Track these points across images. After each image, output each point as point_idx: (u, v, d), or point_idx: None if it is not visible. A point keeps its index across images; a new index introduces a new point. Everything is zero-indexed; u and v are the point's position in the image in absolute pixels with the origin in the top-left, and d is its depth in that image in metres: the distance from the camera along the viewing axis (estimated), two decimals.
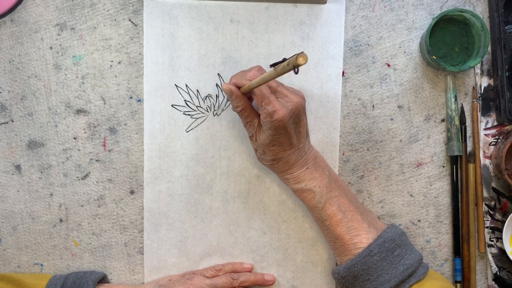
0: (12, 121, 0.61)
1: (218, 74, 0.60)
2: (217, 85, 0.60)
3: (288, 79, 0.60)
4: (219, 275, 0.59)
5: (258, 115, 0.54)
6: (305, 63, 0.38)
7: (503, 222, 0.61)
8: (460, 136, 0.60)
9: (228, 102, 0.60)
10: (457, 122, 0.60)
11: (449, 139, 0.60)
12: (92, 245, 0.62)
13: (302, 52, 0.38)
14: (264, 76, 0.45)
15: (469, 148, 0.61)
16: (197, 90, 0.60)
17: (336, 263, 0.57)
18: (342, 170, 0.61)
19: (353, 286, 0.53)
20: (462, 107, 0.61)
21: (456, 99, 0.60)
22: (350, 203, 0.55)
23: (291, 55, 0.39)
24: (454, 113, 0.60)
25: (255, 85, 0.48)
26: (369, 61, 0.60)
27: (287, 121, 0.51)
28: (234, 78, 0.54)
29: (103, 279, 0.59)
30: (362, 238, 0.53)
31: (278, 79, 0.48)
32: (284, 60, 0.41)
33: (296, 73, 0.39)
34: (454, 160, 0.60)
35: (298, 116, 0.53)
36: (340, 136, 0.61)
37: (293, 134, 0.53)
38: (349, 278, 0.53)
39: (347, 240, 0.53)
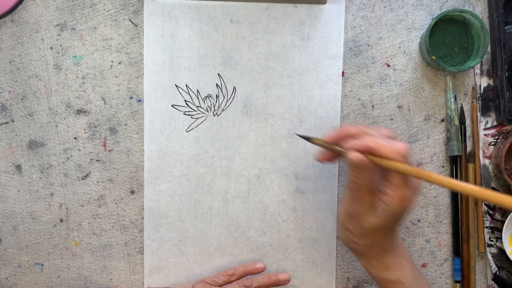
0: (13, 121, 0.61)
1: (218, 74, 0.60)
2: (217, 85, 0.60)
3: (287, 80, 0.60)
4: (231, 281, 0.58)
5: (373, 193, 0.45)
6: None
7: (502, 222, 0.61)
8: (459, 136, 0.60)
9: (228, 103, 0.61)
10: (456, 122, 0.60)
11: (448, 139, 0.60)
12: (92, 245, 0.62)
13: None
14: (434, 176, 0.38)
15: (468, 148, 0.61)
16: (197, 90, 0.60)
17: None
18: (342, 170, 0.61)
19: None
20: (461, 107, 0.61)
21: (455, 99, 0.60)
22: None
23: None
24: (453, 113, 0.60)
25: (413, 174, 0.40)
26: (369, 61, 0.60)
27: (409, 210, 0.44)
28: (371, 142, 0.42)
29: None
30: None
31: None
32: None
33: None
34: (453, 160, 0.61)
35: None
36: None
37: (399, 224, 0.47)
38: None
39: None
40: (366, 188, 0.44)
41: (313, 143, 0.52)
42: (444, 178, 0.39)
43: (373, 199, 0.45)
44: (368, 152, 0.43)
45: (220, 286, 0.58)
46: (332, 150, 0.49)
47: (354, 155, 0.42)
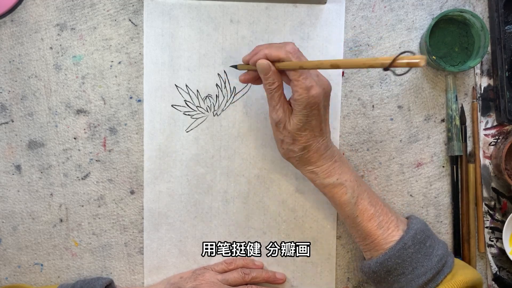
0: (12, 121, 0.61)
1: (218, 74, 0.60)
2: (217, 85, 0.60)
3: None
4: (230, 269, 0.59)
5: (288, 101, 0.52)
6: (423, 65, 0.35)
7: (503, 222, 0.61)
8: (460, 136, 0.60)
9: (228, 103, 0.60)
10: (457, 122, 0.60)
11: (449, 139, 0.60)
12: (92, 245, 0.62)
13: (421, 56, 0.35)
14: (343, 62, 0.43)
15: (469, 148, 0.61)
16: (197, 90, 0.60)
17: (365, 258, 0.56)
18: None
19: (385, 281, 0.52)
20: (462, 107, 0.61)
21: (456, 99, 0.60)
22: (378, 196, 0.54)
23: (403, 52, 0.36)
24: (454, 113, 0.60)
25: (311, 66, 0.46)
26: None
27: (321, 100, 0.49)
28: (267, 50, 0.50)
29: (110, 285, 0.59)
30: (393, 232, 0.52)
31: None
32: (398, 57, 0.36)
33: (386, 70, 0.37)
34: (454, 160, 0.60)
35: (327, 99, 0.51)
36: (340, 136, 0.61)
37: (323, 119, 0.51)
38: (381, 273, 0.52)
39: (379, 235, 0.52)
40: (278, 92, 0.51)
41: (239, 68, 0.58)
42: (315, 61, 0.46)
43: (289, 105, 0.52)
44: (267, 58, 0.50)
45: (219, 273, 0.59)
46: (251, 69, 0.54)
47: (260, 61, 0.50)
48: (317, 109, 0.50)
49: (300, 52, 0.51)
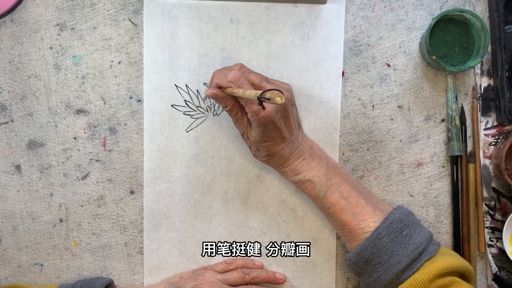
0: (12, 121, 0.61)
1: None
2: None
3: (287, 80, 0.60)
4: (230, 269, 0.59)
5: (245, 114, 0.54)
6: (282, 103, 0.40)
7: (503, 222, 0.61)
8: (460, 136, 0.60)
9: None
10: (457, 122, 0.60)
11: (449, 139, 0.60)
12: (92, 245, 0.62)
13: (281, 93, 0.40)
14: (246, 93, 0.46)
15: (469, 148, 0.61)
16: (197, 90, 0.60)
17: (348, 250, 0.57)
18: None
19: (365, 271, 0.53)
20: (462, 107, 0.61)
21: (456, 99, 0.60)
22: (352, 188, 0.55)
23: (271, 90, 0.41)
24: (454, 113, 0.60)
25: (238, 95, 0.49)
26: (369, 61, 0.60)
27: (274, 117, 0.51)
28: (216, 78, 0.53)
29: (110, 285, 0.59)
30: (368, 222, 0.53)
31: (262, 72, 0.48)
32: (264, 94, 0.41)
33: (260, 105, 0.42)
34: (454, 160, 0.60)
35: (285, 109, 0.53)
36: (340, 136, 0.61)
37: (283, 127, 0.53)
38: (360, 264, 0.53)
39: (354, 226, 0.53)
40: (234, 110, 0.54)
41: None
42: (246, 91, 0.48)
43: (248, 118, 0.54)
44: (217, 85, 0.53)
45: (219, 273, 0.59)
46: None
47: (207, 91, 0.53)
48: (272, 124, 0.51)
49: (249, 71, 0.53)
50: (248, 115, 0.52)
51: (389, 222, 0.52)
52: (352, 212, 0.53)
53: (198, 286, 0.56)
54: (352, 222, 0.53)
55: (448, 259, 0.51)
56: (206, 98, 0.61)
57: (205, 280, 0.57)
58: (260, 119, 0.50)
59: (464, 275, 0.52)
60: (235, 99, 0.54)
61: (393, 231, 0.52)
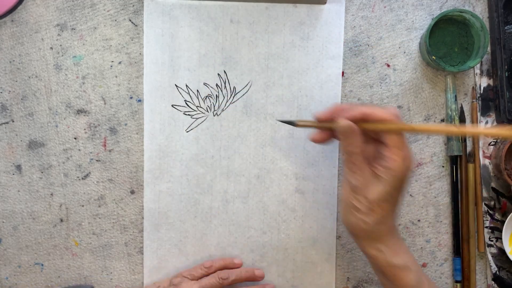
0: (13, 121, 0.61)
1: (218, 74, 0.60)
2: (217, 85, 0.60)
3: (287, 80, 0.60)
4: (209, 273, 0.58)
5: (370, 163, 0.46)
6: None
7: (502, 222, 0.61)
8: (460, 136, 0.60)
9: (228, 103, 0.61)
10: (457, 122, 0.60)
11: (449, 139, 0.60)
12: (92, 245, 0.62)
13: None
14: (445, 129, 0.42)
15: (468, 148, 0.61)
16: (197, 90, 0.61)
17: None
18: (342, 170, 0.61)
19: None
20: (461, 107, 0.61)
21: (456, 99, 0.60)
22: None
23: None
24: (454, 113, 0.60)
25: (411, 129, 0.43)
26: (369, 61, 0.60)
27: (410, 174, 0.45)
28: (365, 109, 0.45)
29: None
30: None
31: None
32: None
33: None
34: (453, 160, 0.61)
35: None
36: None
37: (403, 194, 0.47)
38: None
39: None
40: (360, 156, 0.45)
41: (297, 126, 0.53)
42: (435, 126, 0.43)
43: (372, 169, 0.46)
44: (362, 119, 0.45)
45: (198, 279, 0.58)
46: (321, 128, 0.50)
47: (343, 121, 0.45)
48: (406, 182, 0.45)
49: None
50: (388, 163, 0.44)
51: None
52: None
53: None
54: None
55: None
56: (206, 98, 0.61)
57: None
58: (405, 169, 0.44)
59: None
60: None
61: None
